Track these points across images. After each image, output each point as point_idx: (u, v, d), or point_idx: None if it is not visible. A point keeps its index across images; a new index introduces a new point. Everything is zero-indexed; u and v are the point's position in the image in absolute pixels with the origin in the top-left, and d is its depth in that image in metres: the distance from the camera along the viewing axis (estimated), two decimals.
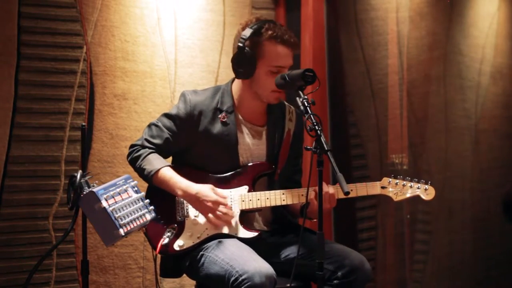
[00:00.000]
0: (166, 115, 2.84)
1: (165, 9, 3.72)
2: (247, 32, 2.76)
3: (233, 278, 2.52)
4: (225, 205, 2.71)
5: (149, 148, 2.82)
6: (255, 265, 2.52)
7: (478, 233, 4.79)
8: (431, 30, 4.47)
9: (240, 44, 2.75)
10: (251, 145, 2.86)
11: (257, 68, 2.76)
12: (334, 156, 2.39)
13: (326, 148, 2.39)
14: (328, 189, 2.69)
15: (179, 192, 2.73)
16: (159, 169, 2.75)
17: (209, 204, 2.69)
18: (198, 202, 2.71)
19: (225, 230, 2.76)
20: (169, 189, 2.76)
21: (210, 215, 2.70)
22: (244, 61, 2.75)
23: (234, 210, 2.77)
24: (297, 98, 2.54)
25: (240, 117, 2.86)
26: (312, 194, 2.69)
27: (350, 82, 4.18)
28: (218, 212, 2.69)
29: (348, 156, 4.19)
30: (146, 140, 2.83)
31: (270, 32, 2.75)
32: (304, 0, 3.95)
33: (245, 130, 2.87)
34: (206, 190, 2.71)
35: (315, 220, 2.68)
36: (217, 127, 2.81)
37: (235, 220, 2.76)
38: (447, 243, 4.63)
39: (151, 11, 3.69)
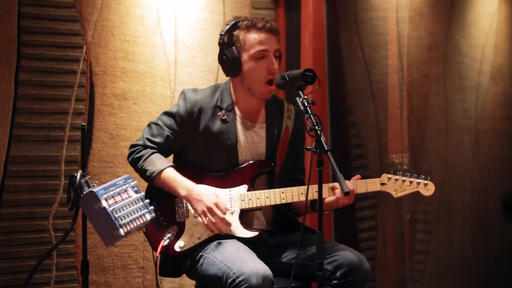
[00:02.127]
0: (166, 113, 2.84)
1: (165, 9, 3.72)
2: (225, 29, 2.81)
3: (230, 280, 2.52)
4: (224, 211, 2.69)
5: (151, 148, 2.81)
6: (252, 266, 2.52)
7: (478, 233, 4.79)
8: (431, 30, 4.47)
9: (220, 41, 2.81)
10: (250, 143, 2.86)
11: (243, 61, 2.78)
12: (334, 156, 2.39)
13: (326, 148, 2.38)
14: (349, 185, 2.67)
15: (182, 193, 2.73)
16: (162, 170, 2.75)
17: (209, 206, 2.68)
18: (199, 204, 2.70)
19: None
20: (171, 190, 2.75)
21: (207, 218, 2.68)
22: (228, 57, 2.79)
23: (234, 210, 2.77)
24: (297, 98, 2.54)
25: (239, 114, 2.86)
26: (338, 193, 2.68)
27: (350, 82, 4.18)
28: (215, 217, 2.68)
29: (348, 156, 4.19)
30: (148, 139, 2.82)
31: (245, 23, 2.79)
32: (304, 0, 3.95)
33: (244, 127, 2.86)
34: (208, 194, 2.70)
35: (326, 212, 2.71)
36: (217, 125, 2.81)
37: (235, 220, 2.76)
38: (447, 243, 4.63)
39: (151, 11, 3.69)
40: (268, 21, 2.80)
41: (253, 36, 2.77)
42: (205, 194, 2.70)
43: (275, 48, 2.80)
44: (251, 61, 2.77)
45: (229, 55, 2.78)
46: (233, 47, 2.78)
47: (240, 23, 2.79)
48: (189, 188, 2.72)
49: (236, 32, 2.79)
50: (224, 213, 2.68)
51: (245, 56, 2.78)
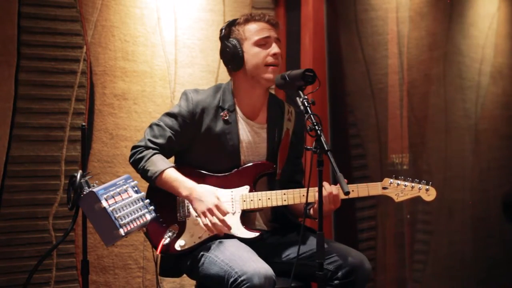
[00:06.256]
0: (168, 114, 2.84)
1: (165, 9, 3.72)
2: (224, 25, 2.89)
3: (232, 279, 2.52)
4: (224, 213, 2.69)
5: (153, 149, 2.80)
6: (254, 266, 2.52)
7: (478, 233, 4.79)
8: (431, 30, 4.47)
9: (221, 35, 2.87)
10: (252, 143, 2.87)
11: (244, 51, 2.81)
12: (334, 156, 2.39)
13: (326, 148, 2.39)
14: (332, 189, 2.68)
15: (184, 193, 2.72)
16: (163, 170, 2.74)
17: (210, 208, 2.67)
18: (199, 204, 2.69)
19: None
20: (173, 190, 2.75)
21: (207, 219, 2.68)
22: (230, 48, 2.82)
23: (235, 211, 2.77)
24: (297, 98, 2.54)
25: (241, 115, 2.87)
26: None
27: (350, 82, 4.18)
28: (215, 219, 2.67)
29: (348, 156, 4.19)
30: (149, 140, 2.81)
31: (244, 17, 2.87)
32: (304, 0, 3.95)
33: (246, 128, 2.87)
34: (210, 195, 2.70)
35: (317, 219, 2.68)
36: (219, 126, 2.82)
37: (236, 220, 2.76)
38: (447, 243, 4.63)
39: (151, 11, 3.69)
40: (266, 14, 2.88)
41: (253, 26, 2.83)
42: (207, 195, 2.70)
43: (276, 36, 2.85)
44: (253, 48, 2.81)
45: (230, 46, 2.82)
46: (234, 39, 2.83)
47: (238, 19, 2.87)
48: (191, 188, 2.72)
49: (235, 27, 2.86)
50: (224, 215, 2.68)
51: (246, 46, 2.82)
